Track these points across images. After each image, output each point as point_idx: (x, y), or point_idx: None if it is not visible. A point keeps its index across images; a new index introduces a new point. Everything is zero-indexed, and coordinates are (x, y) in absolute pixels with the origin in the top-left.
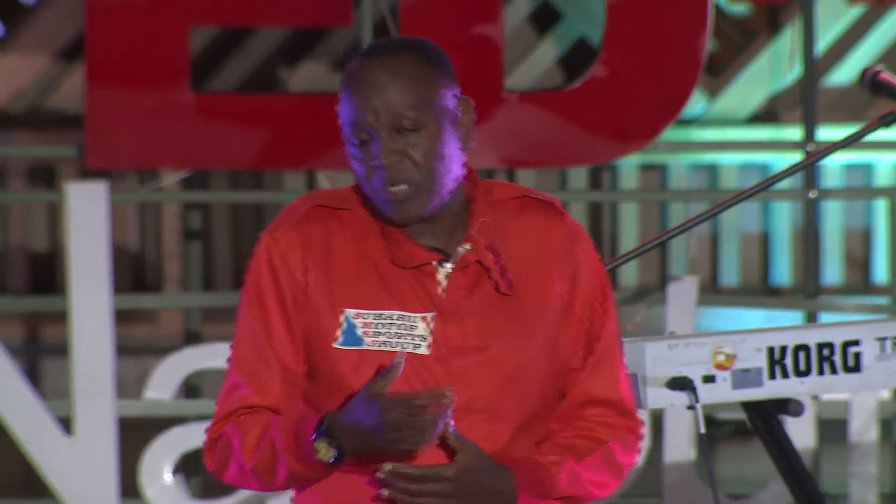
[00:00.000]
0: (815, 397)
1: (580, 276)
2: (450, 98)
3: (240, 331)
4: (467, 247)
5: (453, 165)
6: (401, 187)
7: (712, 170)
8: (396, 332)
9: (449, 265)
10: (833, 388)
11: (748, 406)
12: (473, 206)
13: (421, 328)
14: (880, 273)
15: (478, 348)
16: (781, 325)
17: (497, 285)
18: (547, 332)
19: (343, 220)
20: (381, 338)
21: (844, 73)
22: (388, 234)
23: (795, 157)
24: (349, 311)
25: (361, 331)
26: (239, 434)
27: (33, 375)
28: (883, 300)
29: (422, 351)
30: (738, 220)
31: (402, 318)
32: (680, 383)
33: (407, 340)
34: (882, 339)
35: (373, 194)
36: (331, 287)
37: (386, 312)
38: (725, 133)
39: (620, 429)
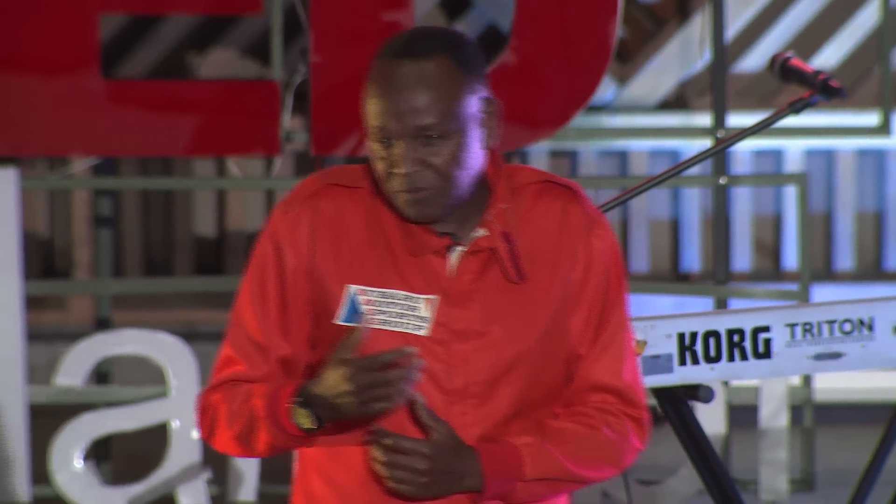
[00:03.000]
0: (726, 383)
1: (593, 263)
2: (475, 103)
3: (238, 303)
4: (481, 232)
5: (474, 167)
6: (420, 193)
7: (622, 156)
8: (398, 312)
9: (460, 249)
10: (743, 375)
11: (658, 392)
12: (494, 191)
13: (424, 310)
14: (790, 259)
15: (478, 333)
16: (691, 311)
17: (506, 273)
18: (555, 319)
19: (357, 198)
20: (382, 316)
21: (754, 60)
22: (401, 218)
23: (705, 143)
24: (353, 288)
25: (363, 308)
26: (226, 403)
27: None
28: (793, 286)
29: (422, 333)
30: (648, 207)
31: (406, 298)
32: None
33: (408, 321)
34: (792, 326)
35: (390, 193)
36: (339, 263)
37: (389, 291)
38: (635, 120)
39: (619, 416)
